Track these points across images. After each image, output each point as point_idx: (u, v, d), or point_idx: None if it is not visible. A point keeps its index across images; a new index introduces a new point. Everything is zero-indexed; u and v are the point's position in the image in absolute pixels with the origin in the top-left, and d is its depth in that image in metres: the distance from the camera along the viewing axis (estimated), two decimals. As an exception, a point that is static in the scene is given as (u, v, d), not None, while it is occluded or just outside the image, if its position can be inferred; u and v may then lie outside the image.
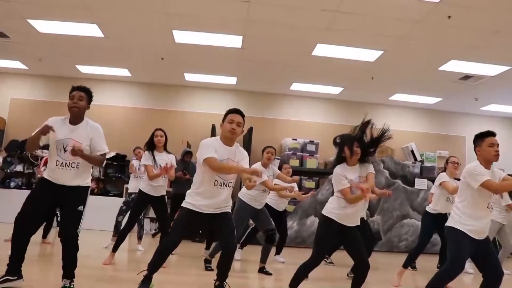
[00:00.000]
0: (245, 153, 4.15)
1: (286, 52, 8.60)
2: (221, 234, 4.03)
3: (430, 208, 6.29)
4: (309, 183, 10.19)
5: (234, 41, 8.10)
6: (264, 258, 6.13)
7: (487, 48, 7.71)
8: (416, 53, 8.19)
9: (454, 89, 10.20)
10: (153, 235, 9.71)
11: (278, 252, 7.35)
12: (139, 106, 11.31)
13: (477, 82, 9.53)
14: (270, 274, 6.02)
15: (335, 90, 11.00)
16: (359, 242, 4.17)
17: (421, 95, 11.01)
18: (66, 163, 3.92)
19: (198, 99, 11.37)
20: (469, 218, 3.81)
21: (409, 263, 6.09)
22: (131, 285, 4.43)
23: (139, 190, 5.98)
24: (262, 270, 6.11)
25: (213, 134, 10.30)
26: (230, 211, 4.08)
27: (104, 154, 4.09)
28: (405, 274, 6.01)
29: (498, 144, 3.93)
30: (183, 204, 3.98)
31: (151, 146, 5.91)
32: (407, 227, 10.11)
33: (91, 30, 7.87)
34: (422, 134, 11.90)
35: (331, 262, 7.36)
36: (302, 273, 4.25)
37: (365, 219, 6.40)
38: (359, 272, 4.24)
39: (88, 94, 4.17)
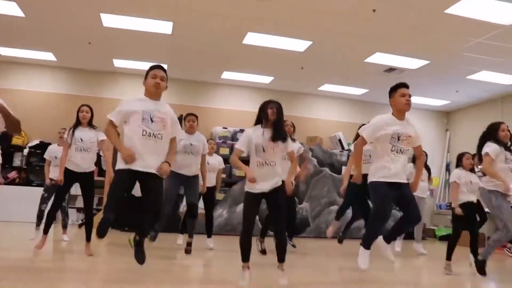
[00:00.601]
0: (171, 109, 4.12)
1: (217, 40, 8.59)
2: (147, 198, 3.93)
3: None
4: (239, 172, 10.25)
5: (164, 27, 7.99)
6: (190, 232, 6.12)
7: (408, 42, 8.10)
8: (344, 45, 8.44)
9: (379, 81, 10.61)
10: (80, 226, 9.43)
11: (208, 235, 7.28)
12: (66, 92, 10.87)
13: (400, 74, 9.95)
14: (189, 252, 5.98)
15: (266, 79, 11.12)
16: (276, 206, 4.17)
17: (348, 86, 11.38)
18: None
19: (128, 86, 11.09)
20: (378, 168, 4.07)
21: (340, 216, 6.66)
22: (55, 275, 4.31)
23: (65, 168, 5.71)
24: (186, 248, 6.10)
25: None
26: (161, 178, 3.97)
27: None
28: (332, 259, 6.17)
29: (410, 95, 4.24)
30: (116, 167, 3.88)
31: (76, 122, 5.74)
32: (334, 214, 10.37)
33: (9, 8, 7.42)
34: (349, 124, 12.26)
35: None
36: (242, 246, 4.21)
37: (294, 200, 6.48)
38: (276, 244, 4.24)
39: None
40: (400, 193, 4.12)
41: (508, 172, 4.89)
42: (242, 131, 10.81)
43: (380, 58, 9.04)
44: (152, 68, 4.04)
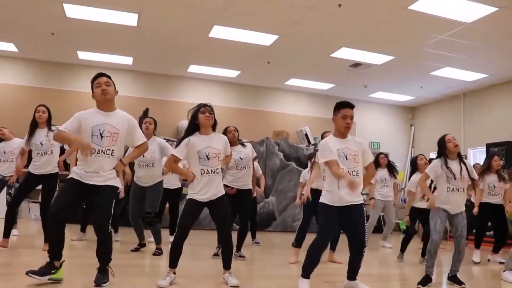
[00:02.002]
0: (127, 116, 3.91)
1: (183, 33, 8.51)
2: (93, 212, 3.79)
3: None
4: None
5: (129, 18, 7.86)
6: (155, 240, 5.93)
7: (373, 37, 8.19)
8: (310, 39, 8.48)
9: (345, 76, 10.72)
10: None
11: (171, 233, 7.31)
12: (28, 85, 10.59)
13: (366, 70, 10.09)
14: (158, 254, 5.80)
15: (232, 73, 11.10)
16: (222, 214, 4.14)
17: (315, 80, 11.45)
18: None
19: (92, 79, 10.87)
20: (328, 191, 3.94)
21: (301, 242, 5.99)
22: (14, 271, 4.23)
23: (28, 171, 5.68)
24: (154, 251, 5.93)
25: (107, 115, 9.97)
26: (113, 188, 3.79)
27: None
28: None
29: (351, 117, 3.98)
30: (69, 176, 3.76)
31: (33, 124, 5.60)
32: (300, 208, 10.51)
33: (-31, -2, 7.21)
34: (315, 119, 12.36)
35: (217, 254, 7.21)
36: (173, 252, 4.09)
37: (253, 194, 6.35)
38: (223, 245, 4.27)
39: None
40: (347, 217, 3.91)
41: (449, 193, 4.67)
42: (208, 125, 10.76)
43: (346, 53, 9.12)
44: (93, 79, 3.87)
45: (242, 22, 7.85)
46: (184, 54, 9.83)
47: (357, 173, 3.92)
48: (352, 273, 4.09)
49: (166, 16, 7.74)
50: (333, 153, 3.88)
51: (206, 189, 4.06)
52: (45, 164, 5.58)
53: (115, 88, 3.88)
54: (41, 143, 5.54)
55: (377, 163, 7.68)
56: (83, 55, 10.21)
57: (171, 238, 7.15)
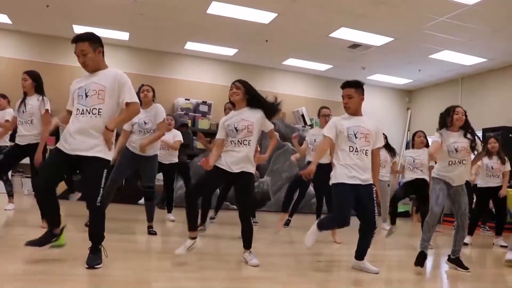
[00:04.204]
0: (117, 73, 3.64)
1: (180, 8, 8.37)
2: (82, 184, 3.58)
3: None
4: (199, 144, 10.18)
5: (126, -8, 7.73)
6: (148, 217, 5.61)
7: (373, 18, 8.08)
8: (309, 18, 8.36)
9: (343, 57, 10.62)
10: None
11: (169, 211, 7.28)
12: (22, 58, 10.38)
13: (365, 51, 9.99)
14: (155, 233, 5.50)
15: (230, 51, 10.98)
16: (243, 192, 4.13)
17: (313, 61, 11.35)
18: None
19: (88, 54, 10.72)
20: (341, 166, 3.99)
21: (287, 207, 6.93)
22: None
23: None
24: (148, 230, 5.72)
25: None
26: (101, 160, 3.48)
27: None
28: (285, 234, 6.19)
29: (348, 96, 4.14)
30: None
31: (24, 92, 5.42)
32: (294, 188, 10.51)
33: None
34: (312, 100, 12.30)
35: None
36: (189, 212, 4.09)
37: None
38: (242, 224, 4.24)
39: None
40: (358, 196, 3.98)
41: (450, 166, 4.61)
42: (204, 103, 10.72)
43: (345, 34, 9.01)
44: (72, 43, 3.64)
45: (241, -2, 7.73)
46: (181, 30, 9.68)
47: (365, 153, 4.01)
48: (361, 253, 4.13)
49: (164, -10, 7.60)
50: (332, 132, 4.05)
51: (228, 158, 4.05)
52: (29, 135, 5.33)
53: (101, 46, 3.67)
54: (22, 111, 5.30)
55: None
56: (78, 29, 10.03)
57: (170, 216, 7.10)
